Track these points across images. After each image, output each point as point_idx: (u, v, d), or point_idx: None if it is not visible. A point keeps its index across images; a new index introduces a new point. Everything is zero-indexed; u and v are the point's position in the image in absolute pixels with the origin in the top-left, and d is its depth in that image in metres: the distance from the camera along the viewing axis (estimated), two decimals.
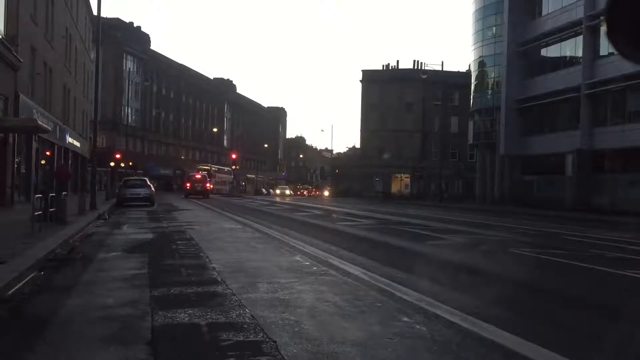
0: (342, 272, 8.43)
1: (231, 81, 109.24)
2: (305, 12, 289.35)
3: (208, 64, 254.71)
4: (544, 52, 42.07)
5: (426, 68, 72.68)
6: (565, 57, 39.72)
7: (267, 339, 4.71)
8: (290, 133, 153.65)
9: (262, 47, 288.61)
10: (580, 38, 36.72)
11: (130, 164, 58.47)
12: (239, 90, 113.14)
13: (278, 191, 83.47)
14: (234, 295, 6.56)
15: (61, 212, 15.02)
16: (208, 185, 51.65)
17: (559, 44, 39.92)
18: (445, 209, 35.87)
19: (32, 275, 7.89)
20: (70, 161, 38.38)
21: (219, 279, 7.65)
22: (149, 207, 28.59)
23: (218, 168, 75.10)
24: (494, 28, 47.16)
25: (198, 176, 51.94)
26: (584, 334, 5.52)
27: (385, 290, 7.03)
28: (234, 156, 78.02)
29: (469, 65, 55.24)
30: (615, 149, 33.76)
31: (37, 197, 13.36)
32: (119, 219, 20.00)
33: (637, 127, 31.94)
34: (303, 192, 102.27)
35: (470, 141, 53.48)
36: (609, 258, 11.48)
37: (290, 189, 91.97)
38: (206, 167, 69.85)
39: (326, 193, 77.67)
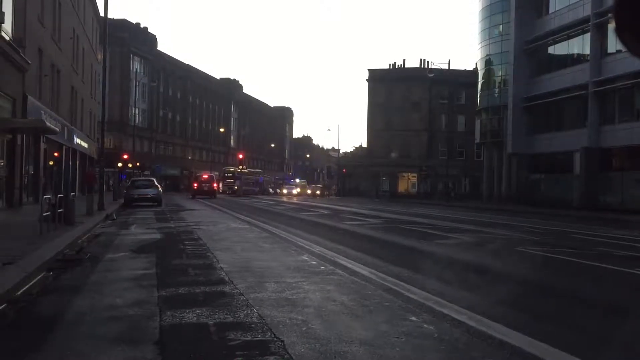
0: (350, 271, 8.43)
1: (237, 81, 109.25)
2: (312, 12, 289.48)
3: (214, 65, 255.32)
4: (551, 49, 41.87)
5: (432, 67, 72.49)
6: (573, 54, 39.52)
7: (275, 339, 4.71)
8: (297, 133, 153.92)
9: (269, 47, 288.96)
10: (587, 35, 36.51)
11: (138, 164, 58.65)
12: (245, 90, 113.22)
13: (285, 191, 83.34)
14: (242, 295, 6.56)
15: (69, 212, 15.07)
16: (215, 185, 51.99)
17: (566, 41, 39.73)
18: (452, 208, 35.78)
19: (41, 275, 7.93)
20: (78, 162, 38.55)
21: (227, 279, 7.66)
22: (157, 207, 28.66)
23: (249, 170, 76.22)
24: (501, 26, 47.00)
25: (205, 176, 52.23)
26: (594, 333, 5.49)
27: (393, 289, 7.02)
28: (240, 156, 78.04)
29: (476, 64, 55.10)
30: (623, 146, 33.57)
31: (46, 197, 13.40)
32: (127, 220, 20.05)
33: None
34: (308, 191, 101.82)
35: (477, 140, 53.35)
36: (617, 256, 11.43)
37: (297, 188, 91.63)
38: (232, 170, 70.74)
39: (317, 192, 76.22)
